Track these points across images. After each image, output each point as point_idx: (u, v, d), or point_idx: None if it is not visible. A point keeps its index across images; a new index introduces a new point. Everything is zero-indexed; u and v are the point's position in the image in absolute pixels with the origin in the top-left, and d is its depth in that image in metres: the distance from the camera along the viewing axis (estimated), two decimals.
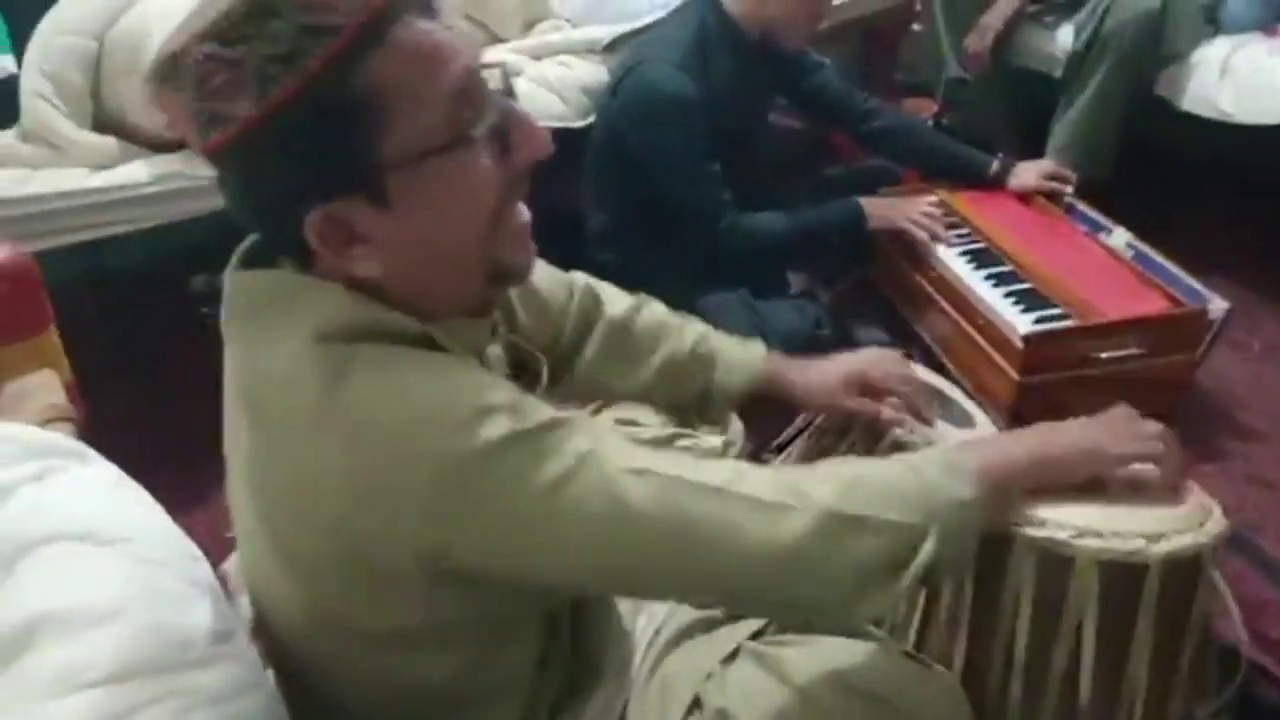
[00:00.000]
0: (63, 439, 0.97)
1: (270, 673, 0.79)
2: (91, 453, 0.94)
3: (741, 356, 1.19)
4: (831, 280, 2.25)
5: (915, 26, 2.98)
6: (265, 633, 0.81)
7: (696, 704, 0.90)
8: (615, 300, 1.18)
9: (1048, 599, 0.92)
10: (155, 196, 1.79)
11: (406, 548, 0.67)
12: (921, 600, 1.02)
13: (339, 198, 0.68)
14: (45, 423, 1.12)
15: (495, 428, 0.67)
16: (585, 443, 0.71)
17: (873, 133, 2.13)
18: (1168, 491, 0.94)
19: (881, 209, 1.98)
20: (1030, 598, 0.92)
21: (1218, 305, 1.70)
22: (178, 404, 1.63)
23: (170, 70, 0.65)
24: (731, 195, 1.88)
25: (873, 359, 1.19)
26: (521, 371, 0.89)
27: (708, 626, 0.99)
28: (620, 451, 0.72)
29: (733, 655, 0.94)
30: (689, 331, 1.19)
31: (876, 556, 0.75)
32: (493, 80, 0.72)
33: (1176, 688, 0.95)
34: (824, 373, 1.18)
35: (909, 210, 1.98)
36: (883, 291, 2.19)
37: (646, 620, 1.02)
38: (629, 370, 1.16)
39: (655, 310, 1.20)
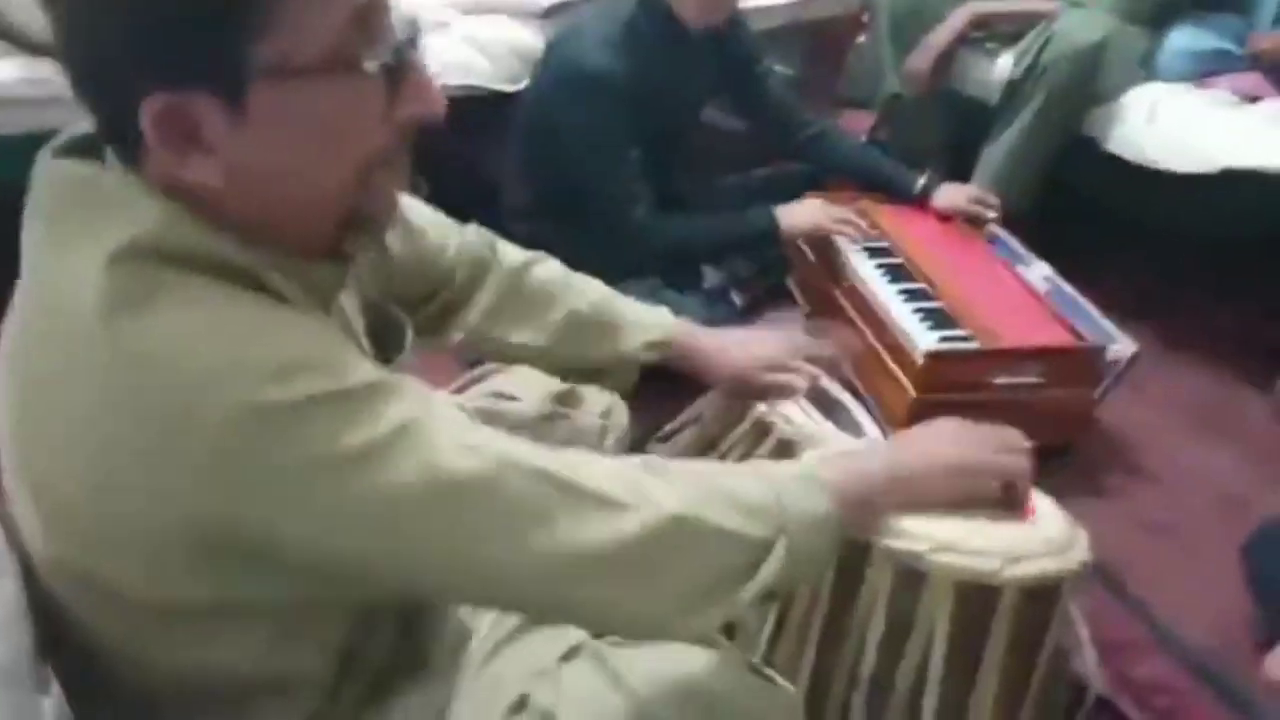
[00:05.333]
0: None
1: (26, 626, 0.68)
2: None
3: (650, 317, 1.13)
4: (744, 282, 2.21)
5: (861, 39, 2.96)
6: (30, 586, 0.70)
7: (522, 703, 0.82)
8: (511, 250, 1.11)
9: (900, 613, 0.88)
10: (28, 101, 1.63)
11: (175, 509, 0.59)
12: (775, 609, 0.98)
13: (189, 88, 0.59)
14: None
15: (303, 384, 0.59)
16: (409, 411, 0.63)
17: (802, 144, 2.11)
18: (1028, 508, 0.90)
19: (800, 214, 1.94)
20: (883, 611, 0.89)
21: (1124, 346, 1.70)
22: None
23: None
24: (649, 189, 1.82)
25: (792, 344, 1.16)
26: (385, 331, 0.82)
27: None
28: (451, 425, 0.65)
29: (573, 652, 0.86)
30: (592, 288, 1.13)
31: (714, 570, 0.70)
32: (401, 26, 0.64)
33: (1021, 717, 0.92)
34: (741, 345, 1.14)
35: (830, 213, 1.95)
36: (797, 299, 2.16)
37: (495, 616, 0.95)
38: (525, 324, 1.09)
39: (554, 265, 1.13)
